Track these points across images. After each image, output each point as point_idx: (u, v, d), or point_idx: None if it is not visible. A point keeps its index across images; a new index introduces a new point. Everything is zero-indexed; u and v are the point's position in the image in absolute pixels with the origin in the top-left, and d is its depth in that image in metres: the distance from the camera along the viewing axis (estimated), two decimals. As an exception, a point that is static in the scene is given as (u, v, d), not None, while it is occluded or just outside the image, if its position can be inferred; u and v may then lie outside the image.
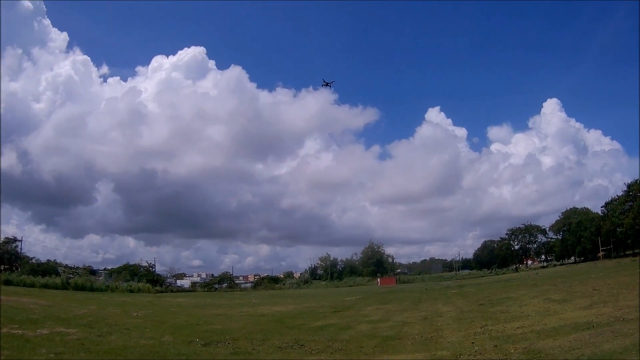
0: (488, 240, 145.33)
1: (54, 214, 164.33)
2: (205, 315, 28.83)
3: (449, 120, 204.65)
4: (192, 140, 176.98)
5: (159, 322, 23.36)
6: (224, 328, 20.98)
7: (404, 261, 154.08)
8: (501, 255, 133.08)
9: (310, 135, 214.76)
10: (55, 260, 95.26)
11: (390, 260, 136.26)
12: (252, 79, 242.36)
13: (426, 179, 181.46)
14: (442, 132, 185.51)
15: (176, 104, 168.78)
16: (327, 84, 76.12)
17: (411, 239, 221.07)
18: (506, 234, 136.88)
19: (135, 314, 27.79)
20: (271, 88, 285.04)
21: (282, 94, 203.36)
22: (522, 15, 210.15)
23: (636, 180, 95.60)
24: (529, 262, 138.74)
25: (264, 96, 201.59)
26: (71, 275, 74.97)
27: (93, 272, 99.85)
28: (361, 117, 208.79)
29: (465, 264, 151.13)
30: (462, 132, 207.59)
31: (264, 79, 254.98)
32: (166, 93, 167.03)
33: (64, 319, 22.21)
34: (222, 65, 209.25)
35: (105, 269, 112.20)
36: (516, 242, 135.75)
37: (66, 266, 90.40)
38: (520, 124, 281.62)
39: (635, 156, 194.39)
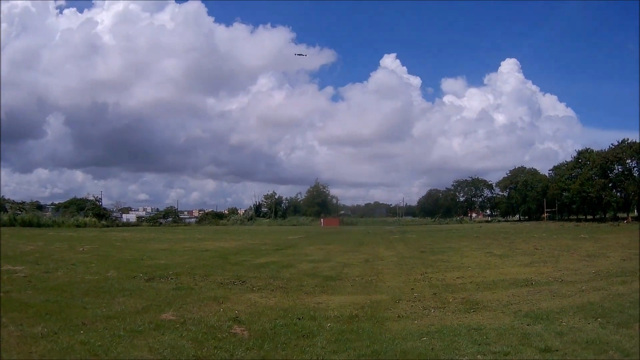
0: (433, 190, 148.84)
1: (4, 149, 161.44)
2: (150, 250, 29.08)
3: (404, 68, 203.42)
4: (145, 73, 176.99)
5: (104, 257, 23.63)
6: (167, 263, 21.20)
7: (348, 203, 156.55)
8: (446, 205, 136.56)
9: (264, 72, 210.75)
10: (3, 196, 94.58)
11: (335, 201, 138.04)
12: (210, 13, 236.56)
13: (377, 124, 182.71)
14: (397, 80, 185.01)
15: (132, 36, 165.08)
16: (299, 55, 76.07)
17: (357, 182, 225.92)
18: (452, 185, 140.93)
19: (81, 249, 28.11)
20: (229, 23, 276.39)
21: (240, 30, 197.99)
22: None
23: (587, 148, 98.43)
24: (473, 215, 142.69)
25: (221, 31, 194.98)
26: (19, 212, 75.31)
27: (40, 207, 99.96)
28: (317, 57, 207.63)
29: (409, 211, 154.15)
30: (416, 81, 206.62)
31: (223, 13, 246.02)
32: (122, 25, 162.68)
33: (11, 257, 22.42)
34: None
35: (52, 204, 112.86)
36: (462, 194, 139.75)
37: (13, 202, 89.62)
38: (476, 80, 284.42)
39: (587, 125, 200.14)
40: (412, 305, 11.83)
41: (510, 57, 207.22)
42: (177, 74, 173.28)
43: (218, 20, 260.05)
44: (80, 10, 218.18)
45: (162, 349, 7.94)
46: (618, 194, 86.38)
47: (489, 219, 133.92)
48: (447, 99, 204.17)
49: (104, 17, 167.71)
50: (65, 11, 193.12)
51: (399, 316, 10.68)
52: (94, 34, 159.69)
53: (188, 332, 9.05)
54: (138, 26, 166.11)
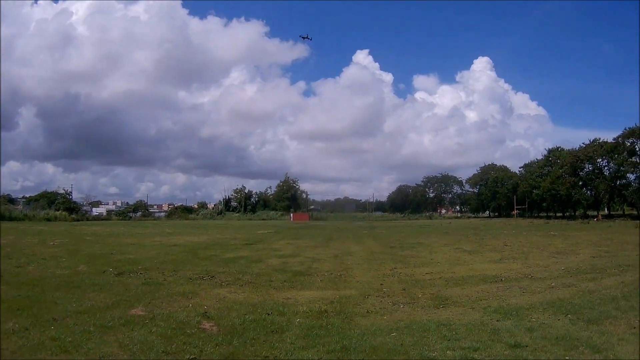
0: (403, 185, 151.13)
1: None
2: (119, 244, 29.09)
3: (377, 65, 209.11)
4: (118, 64, 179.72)
5: (74, 251, 23.68)
6: (137, 257, 21.33)
7: (318, 198, 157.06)
8: (415, 201, 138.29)
9: (237, 66, 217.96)
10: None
11: (305, 196, 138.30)
12: (184, 6, 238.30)
13: (348, 119, 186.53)
14: (369, 75, 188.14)
15: (106, 27, 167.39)
16: (304, 38, 75.67)
17: (327, 176, 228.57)
18: (422, 181, 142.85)
19: (52, 243, 28.06)
20: (203, 16, 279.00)
21: (213, 23, 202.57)
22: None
23: (557, 147, 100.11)
24: (443, 211, 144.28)
25: (195, 23, 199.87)
26: (-9, 205, 74.99)
27: (12, 200, 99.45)
28: (290, 52, 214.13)
29: (379, 206, 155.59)
30: (388, 77, 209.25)
31: (197, 6, 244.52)
32: (96, 16, 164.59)
33: (-17, 251, 22.17)
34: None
35: (23, 197, 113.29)
36: (431, 190, 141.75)
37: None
38: (448, 77, 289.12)
39: (559, 124, 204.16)
40: (381, 301, 11.94)
41: (483, 55, 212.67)
42: (149, 65, 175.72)
43: (192, 12, 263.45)
44: (55, 0, 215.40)
45: (131, 345, 7.94)
46: (588, 192, 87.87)
47: (459, 215, 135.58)
48: (418, 95, 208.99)
49: (78, 8, 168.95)
50: (40, 1, 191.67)
51: (368, 311, 10.77)
52: (69, 25, 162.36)
53: (157, 327, 9.06)
54: (112, 17, 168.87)
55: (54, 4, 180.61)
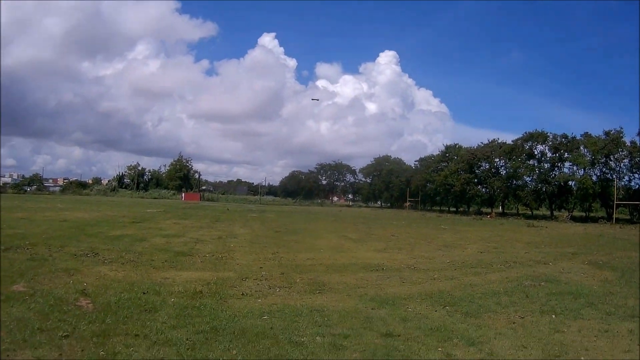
0: (297, 171, 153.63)
1: None
2: (9, 218, 28.40)
3: (282, 49, 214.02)
4: (27, 30, 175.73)
5: None
6: (25, 232, 21.10)
7: (211, 179, 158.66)
8: (308, 187, 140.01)
9: (143, 39, 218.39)
10: None
11: (197, 176, 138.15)
12: None
13: (247, 102, 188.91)
14: (273, 59, 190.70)
15: None
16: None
17: (221, 158, 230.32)
18: (315, 167, 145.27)
19: None
20: None
21: None
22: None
23: (455, 144, 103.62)
24: (335, 198, 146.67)
25: None
26: None
27: None
28: (199, 29, 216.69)
29: (271, 191, 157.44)
30: (292, 62, 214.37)
31: None
32: None
33: None
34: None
35: None
36: (324, 178, 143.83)
37: None
38: (351, 67, 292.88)
39: (459, 122, 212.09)
40: (258, 284, 12.16)
41: (390, 49, 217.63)
42: (58, 33, 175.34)
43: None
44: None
45: (8, 322, 7.84)
46: (483, 189, 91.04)
47: (351, 203, 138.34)
48: (320, 83, 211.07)
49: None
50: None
51: (243, 294, 10.94)
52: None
53: (36, 304, 9.01)
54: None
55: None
